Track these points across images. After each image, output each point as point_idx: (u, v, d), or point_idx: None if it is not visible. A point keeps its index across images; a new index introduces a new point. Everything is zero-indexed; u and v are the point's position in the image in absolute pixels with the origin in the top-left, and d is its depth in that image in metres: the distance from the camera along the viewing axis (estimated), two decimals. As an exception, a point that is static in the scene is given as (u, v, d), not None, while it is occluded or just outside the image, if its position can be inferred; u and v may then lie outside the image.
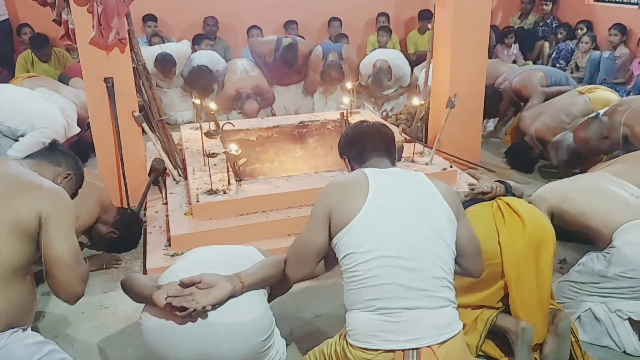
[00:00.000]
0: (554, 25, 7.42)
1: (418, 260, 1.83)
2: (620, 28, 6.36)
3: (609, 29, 6.43)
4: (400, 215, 1.88)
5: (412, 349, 1.76)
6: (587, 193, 2.59)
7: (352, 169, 2.14)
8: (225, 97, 5.81)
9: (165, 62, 5.74)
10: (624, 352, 2.44)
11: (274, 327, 2.07)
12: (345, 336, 1.88)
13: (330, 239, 1.94)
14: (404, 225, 1.86)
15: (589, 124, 3.76)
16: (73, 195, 2.29)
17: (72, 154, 2.34)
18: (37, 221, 1.82)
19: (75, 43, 3.40)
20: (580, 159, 3.97)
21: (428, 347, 1.76)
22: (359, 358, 1.80)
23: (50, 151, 2.25)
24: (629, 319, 2.43)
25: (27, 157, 2.21)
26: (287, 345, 2.33)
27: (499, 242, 2.27)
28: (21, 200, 1.83)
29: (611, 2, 7.15)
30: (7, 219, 1.80)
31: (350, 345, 1.83)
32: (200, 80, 5.68)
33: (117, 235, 3.22)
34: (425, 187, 1.96)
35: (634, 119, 3.50)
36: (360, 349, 1.80)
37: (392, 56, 6.19)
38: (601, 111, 3.94)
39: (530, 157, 4.56)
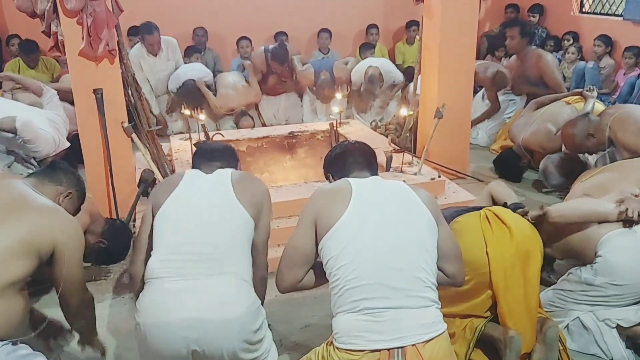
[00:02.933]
0: (542, 36, 7.50)
1: (400, 261, 1.86)
2: (605, 39, 6.44)
3: (594, 40, 6.52)
4: (382, 218, 1.92)
5: (397, 348, 1.77)
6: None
7: None
8: (215, 114, 5.89)
9: (148, 25, 5.80)
10: (612, 360, 2.47)
11: (264, 319, 2.05)
12: (331, 342, 1.89)
13: (317, 244, 1.97)
14: (386, 227, 1.91)
15: (578, 120, 3.83)
16: (75, 212, 2.32)
17: (73, 171, 2.35)
18: (51, 246, 1.94)
19: (65, 54, 3.39)
20: (572, 174, 3.99)
21: (413, 345, 1.77)
22: None
23: (52, 169, 2.27)
24: (617, 326, 2.45)
25: (29, 175, 2.23)
26: (278, 355, 2.32)
27: (486, 252, 2.28)
28: (35, 222, 1.94)
29: (596, 13, 7.27)
30: (21, 237, 1.89)
31: (337, 348, 1.84)
32: (188, 95, 5.70)
33: (105, 245, 3.18)
34: (406, 193, 2.03)
35: (618, 124, 3.56)
36: (345, 350, 1.81)
37: (383, 63, 6.26)
38: (589, 109, 4.02)
39: (518, 167, 4.60)
